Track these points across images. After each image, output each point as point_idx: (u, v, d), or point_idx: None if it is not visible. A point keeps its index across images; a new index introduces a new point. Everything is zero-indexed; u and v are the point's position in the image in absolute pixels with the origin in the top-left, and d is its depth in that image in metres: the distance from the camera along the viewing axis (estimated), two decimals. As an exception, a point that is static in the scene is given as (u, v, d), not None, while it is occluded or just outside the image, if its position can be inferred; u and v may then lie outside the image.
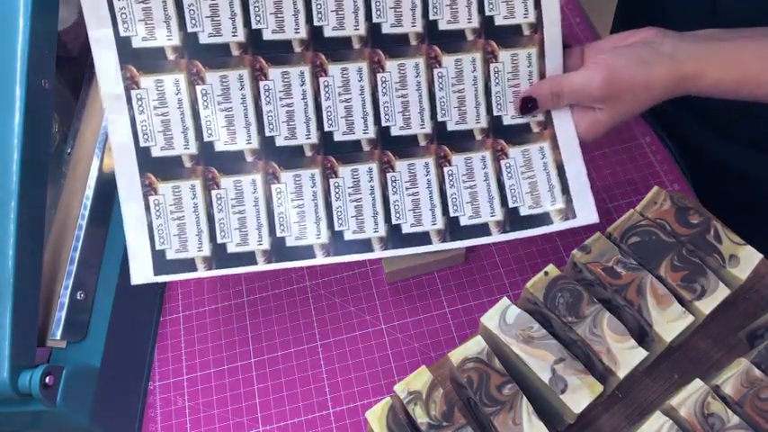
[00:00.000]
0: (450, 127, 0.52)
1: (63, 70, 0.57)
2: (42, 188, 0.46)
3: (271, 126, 0.49)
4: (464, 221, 0.52)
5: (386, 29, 0.50)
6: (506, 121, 0.52)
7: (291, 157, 0.50)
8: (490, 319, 0.44)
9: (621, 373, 0.41)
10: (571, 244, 0.59)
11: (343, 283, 0.60)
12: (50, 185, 0.47)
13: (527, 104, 0.51)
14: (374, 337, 0.57)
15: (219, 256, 0.49)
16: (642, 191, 0.59)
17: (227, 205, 0.49)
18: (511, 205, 0.52)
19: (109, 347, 0.50)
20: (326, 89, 0.50)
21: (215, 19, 0.47)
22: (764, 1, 0.51)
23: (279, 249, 0.50)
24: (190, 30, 0.47)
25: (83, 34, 0.60)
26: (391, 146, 0.51)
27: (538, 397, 0.43)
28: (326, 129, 0.50)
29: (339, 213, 0.50)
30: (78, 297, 0.49)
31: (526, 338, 0.42)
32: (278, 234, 0.50)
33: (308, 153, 0.50)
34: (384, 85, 0.50)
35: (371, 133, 0.51)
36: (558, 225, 0.52)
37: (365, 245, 0.51)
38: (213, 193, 0.49)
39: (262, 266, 0.49)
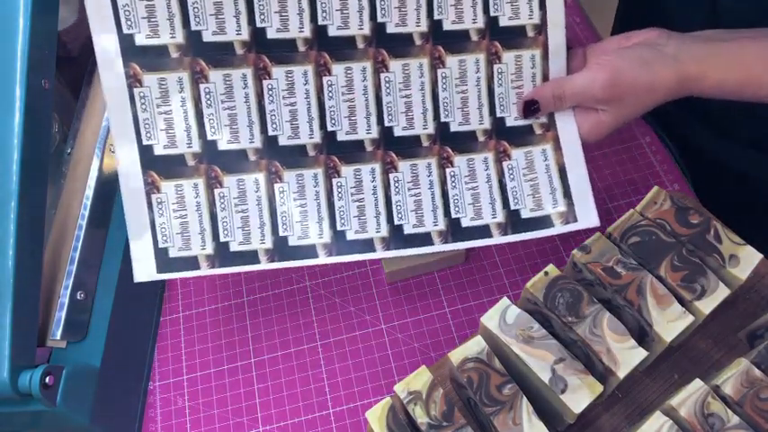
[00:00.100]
0: (453, 128, 0.52)
1: (63, 70, 0.57)
2: (42, 188, 0.46)
3: (274, 125, 0.49)
4: (466, 223, 0.52)
5: (390, 28, 0.50)
6: (509, 122, 0.52)
7: (294, 157, 0.50)
8: (490, 319, 0.44)
9: (621, 373, 0.41)
10: (571, 244, 0.59)
11: (343, 283, 0.60)
12: (50, 185, 0.47)
13: (530, 107, 0.51)
14: (374, 337, 0.57)
15: (222, 254, 0.49)
16: (642, 191, 0.59)
17: (229, 204, 0.49)
18: (512, 207, 0.52)
19: (109, 347, 0.50)
20: (330, 89, 0.50)
21: (219, 17, 0.47)
22: (765, 1, 0.51)
23: (281, 248, 0.50)
24: (193, 28, 0.47)
25: (83, 34, 0.61)
26: (394, 146, 0.51)
27: (538, 397, 0.43)
28: (329, 128, 0.50)
29: (341, 213, 0.50)
30: (78, 297, 0.49)
31: (526, 338, 0.42)
32: (280, 233, 0.50)
33: (311, 152, 0.50)
34: (387, 85, 0.50)
35: (375, 133, 0.51)
36: (559, 228, 0.52)
37: (367, 245, 0.51)
38: (216, 191, 0.49)
39: (264, 265, 0.49)
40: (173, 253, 0.49)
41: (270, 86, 0.49)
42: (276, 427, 0.53)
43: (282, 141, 0.50)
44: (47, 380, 0.42)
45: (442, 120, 0.51)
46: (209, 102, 0.48)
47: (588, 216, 0.51)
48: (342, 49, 0.49)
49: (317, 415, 0.53)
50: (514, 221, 0.52)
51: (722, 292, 0.43)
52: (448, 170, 0.52)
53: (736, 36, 0.46)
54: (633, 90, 0.46)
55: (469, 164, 0.52)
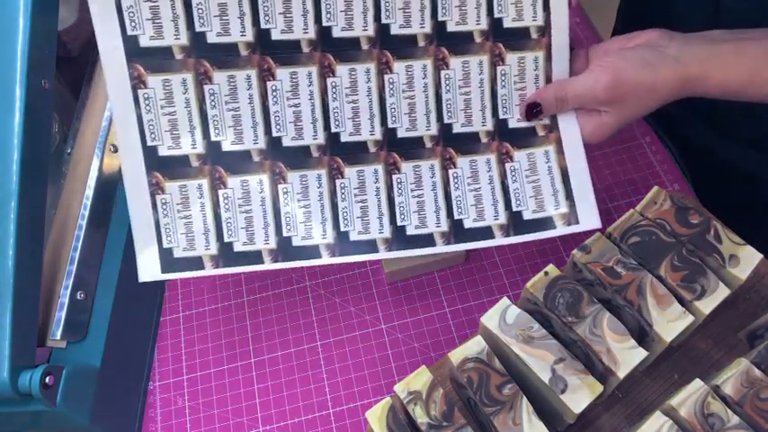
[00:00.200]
0: (456, 129, 0.52)
1: (63, 70, 0.57)
2: (42, 188, 0.46)
3: (278, 126, 0.49)
4: (468, 224, 0.52)
5: (394, 30, 0.50)
6: (512, 124, 0.52)
7: (298, 158, 0.50)
8: (490, 319, 0.44)
9: (621, 373, 0.41)
10: (571, 244, 0.59)
11: (343, 283, 0.60)
12: (50, 185, 0.47)
13: (532, 110, 0.51)
14: (374, 337, 0.57)
15: (226, 254, 0.49)
16: (642, 191, 0.59)
17: (233, 205, 0.49)
18: (515, 209, 0.52)
19: (109, 347, 0.50)
20: (334, 90, 0.50)
21: (223, 18, 0.47)
22: (766, 1, 0.51)
23: (285, 249, 0.50)
24: (198, 29, 0.47)
25: (83, 34, 0.61)
26: (397, 147, 0.51)
27: (538, 397, 0.43)
28: (333, 129, 0.50)
29: (345, 214, 0.50)
30: (78, 297, 0.49)
31: (526, 338, 0.42)
32: (284, 234, 0.50)
33: (315, 154, 0.50)
34: (391, 86, 0.50)
35: (378, 135, 0.51)
36: (560, 230, 0.52)
37: (370, 245, 0.51)
38: (220, 192, 0.49)
39: (268, 265, 0.50)
40: (177, 253, 0.49)
41: (274, 87, 0.49)
42: (276, 427, 0.53)
43: (286, 142, 0.50)
44: (47, 380, 0.42)
45: (446, 121, 0.51)
46: (213, 103, 0.49)
47: (590, 218, 0.51)
48: (346, 50, 0.49)
49: (317, 415, 0.53)
50: (516, 223, 0.52)
51: (722, 292, 0.43)
52: (450, 171, 0.52)
53: (739, 36, 0.46)
54: (635, 91, 0.46)
55: (472, 165, 0.52)
